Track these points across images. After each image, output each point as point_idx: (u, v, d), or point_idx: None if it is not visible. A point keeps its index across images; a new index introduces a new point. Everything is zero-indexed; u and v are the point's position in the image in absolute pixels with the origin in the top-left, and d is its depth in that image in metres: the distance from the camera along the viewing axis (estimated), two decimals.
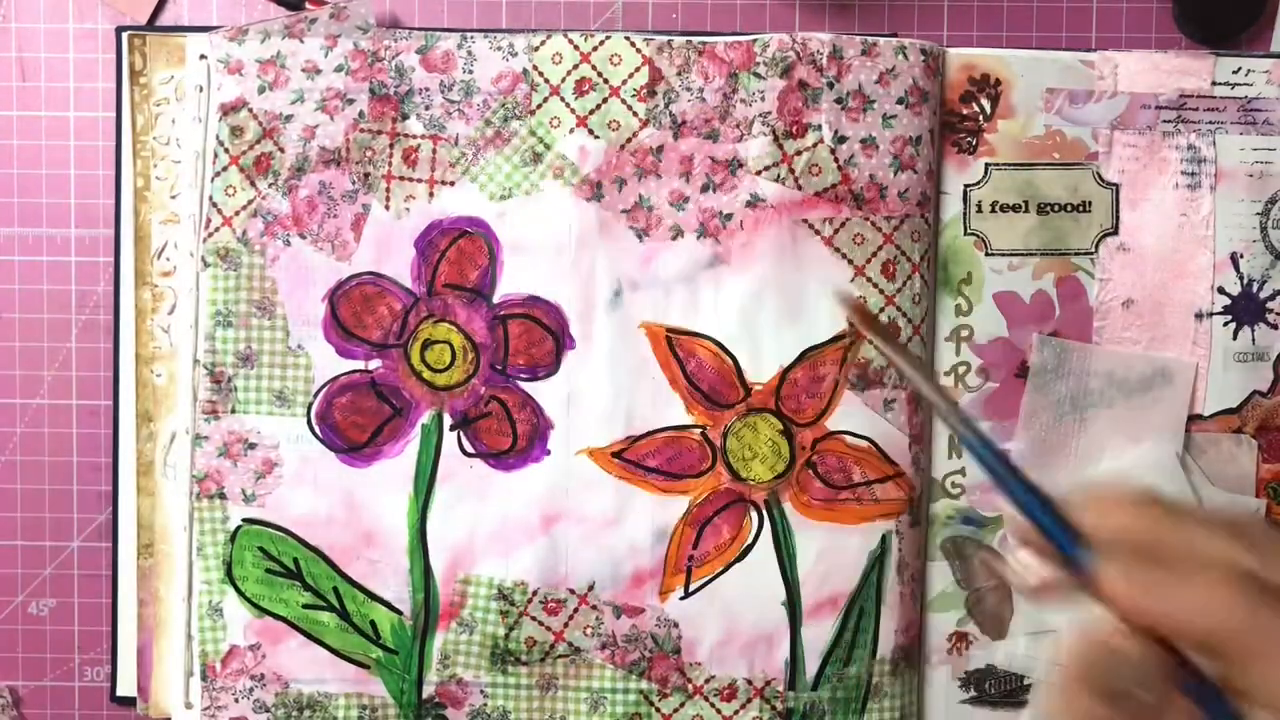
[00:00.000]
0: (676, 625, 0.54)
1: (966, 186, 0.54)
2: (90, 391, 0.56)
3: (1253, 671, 0.29)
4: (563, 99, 0.53)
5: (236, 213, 0.53)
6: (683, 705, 0.54)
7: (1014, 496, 0.32)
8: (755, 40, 0.52)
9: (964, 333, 0.54)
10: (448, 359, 0.53)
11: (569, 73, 0.53)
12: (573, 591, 0.54)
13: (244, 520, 0.54)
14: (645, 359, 0.53)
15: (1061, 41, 0.56)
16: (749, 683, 0.54)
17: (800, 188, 0.53)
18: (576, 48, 0.53)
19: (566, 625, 0.54)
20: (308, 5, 0.55)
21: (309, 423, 0.54)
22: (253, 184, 0.53)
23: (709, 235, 0.53)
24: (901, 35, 0.54)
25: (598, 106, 0.53)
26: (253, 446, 0.54)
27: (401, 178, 0.53)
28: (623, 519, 0.54)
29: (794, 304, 0.53)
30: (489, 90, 0.53)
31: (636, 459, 0.53)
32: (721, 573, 0.54)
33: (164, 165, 0.54)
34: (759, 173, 0.53)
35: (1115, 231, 0.54)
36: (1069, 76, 0.54)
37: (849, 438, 0.53)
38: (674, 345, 0.53)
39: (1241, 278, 0.54)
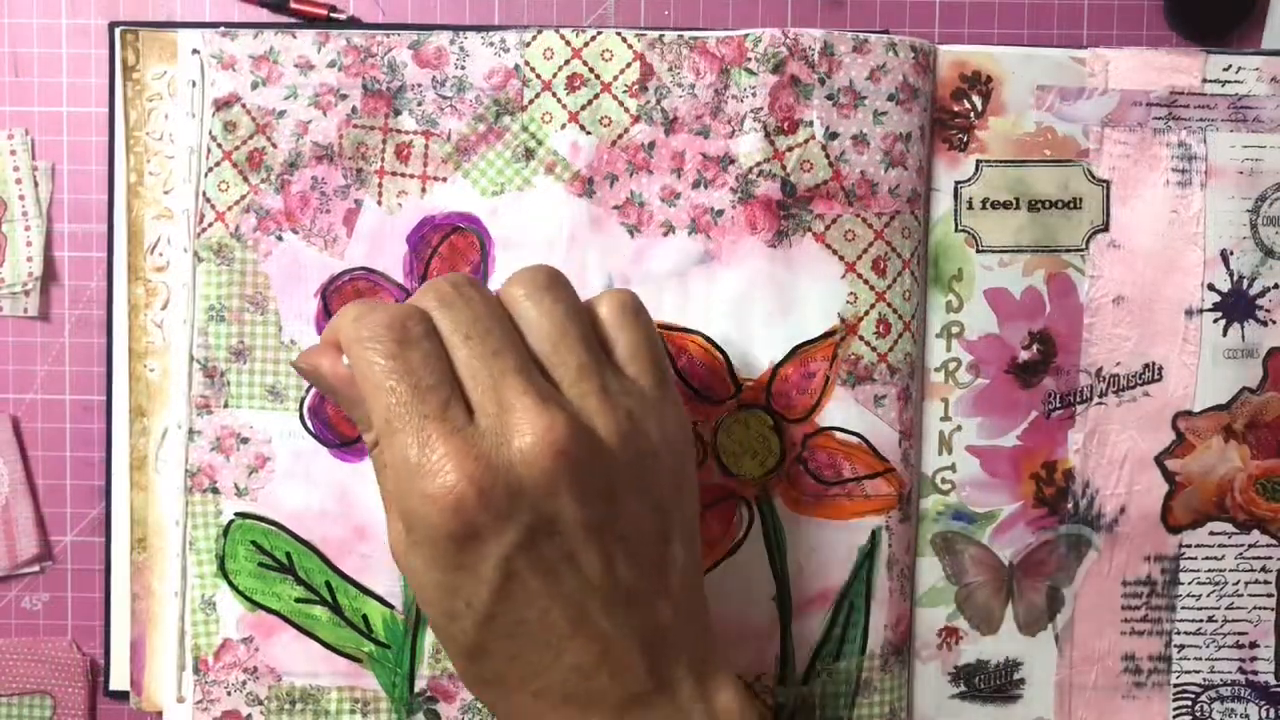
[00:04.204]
0: None
1: (957, 183, 0.54)
2: (84, 386, 0.57)
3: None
4: (555, 95, 0.53)
5: (230, 208, 0.53)
6: None
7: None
8: (747, 36, 0.52)
9: (954, 329, 0.54)
10: None
11: (560, 68, 0.53)
12: None
13: (237, 514, 0.54)
14: None
15: (1053, 39, 0.56)
16: (739, 677, 0.54)
17: (792, 184, 0.53)
18: (568, 43, 0.53)
19: None
20: (291, 4, 0.55)
21: (301, 417, 0.54)
22: (245, 179, 0.53)
23: (700, 231, 0.53)
24: (893, 32, 0.54)
25: (589, 102, 0.53)
26: (245, 441, 0.54)
27: (394, 173, 0.53)
28: None
29: (785, 300, 0.53)
30: (481, 86, 0.53)
31: None
32: (711, 568, 0.54)
33: (157, 161, 0.54)
34: (751, 169, 0.53)
35: (1106, 228, 0.54)
36: (1060, 73, 0.54)
37: (839, 434, 0.53)
38: (665, 341, 0.53)
39: (1232, 275, 0.54)
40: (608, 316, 0.43)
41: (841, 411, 0.53)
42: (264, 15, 0.56)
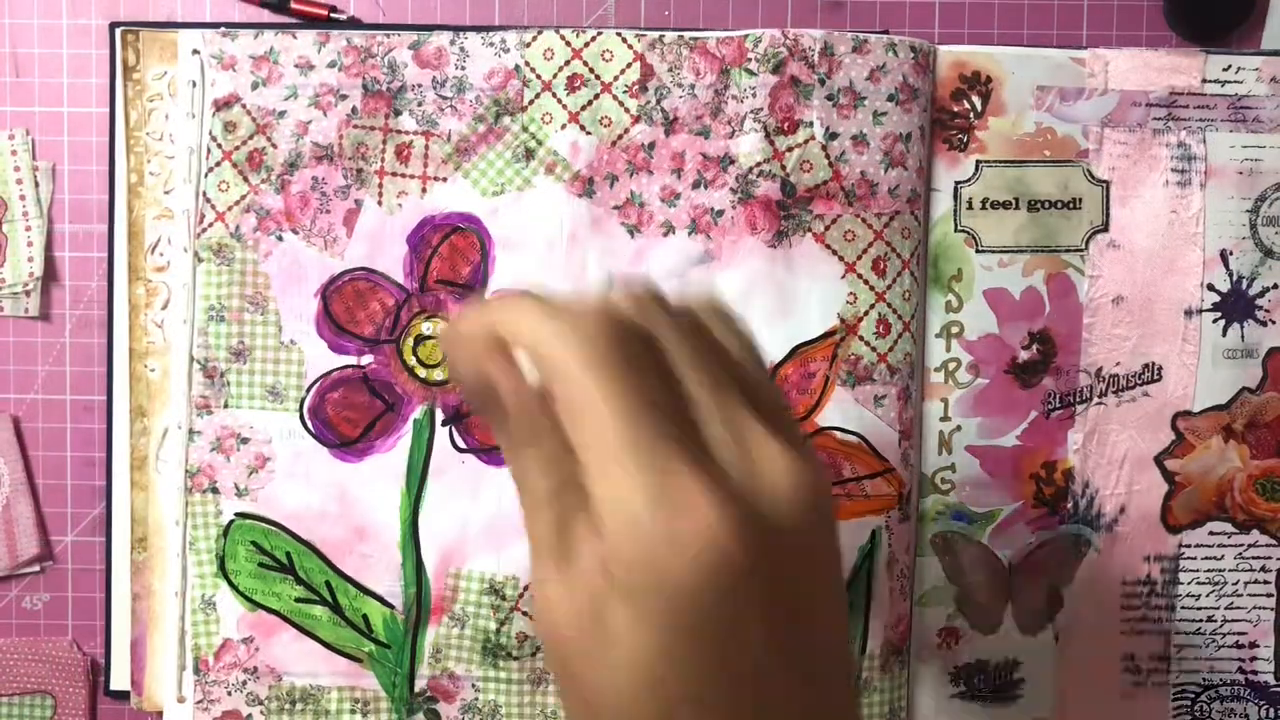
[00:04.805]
0: None
1: (957, 183, 0.54)
2: (84, 386, 0.57)
3: None
4: (555, 95, 0.53)
5: (230, 208, 0.53)
6: None
7: None
8: (747, 36, 0.52)
9: (954, 329, 0.54)
10: (440, 354, 0.54)
11: (561, 69, 0.53)
12: None
13: (237, 514, 0.54)
14: None
15: (1053, 39, 0.56)
16: None
17: (792, 184, 0.53)
18: (568, 44, 0.53)
19: None
20: (292, 4, 0.55)
21: (301, 417, 0.54)
22: (245, 179, 0.53)
23: (700, 232, 0.53)
24: (893, 32, 0.54)
25: (589, 102, 0.53)
26: (245, 441, 0.54)
27: (394, 174, 0.53)
28: None
29: (785, 300, 0.53)
30: (481, 86, 0.53)
31: None
32: None
33: (157, 161, 0.54)
34: (750, 169, 0.53)
35: (1105, 228, 0.54)
36: (1060, 74, 0.54)
37: (839, 434, 0.53)
38: None
39: (1231, 275, 0.54)
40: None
41: (841, 411, 0.53)
42: (264, 15, 0.56)
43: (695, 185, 0.53)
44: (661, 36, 0.53)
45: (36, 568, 0.57)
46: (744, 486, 0.30)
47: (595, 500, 0.30)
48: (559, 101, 0.53)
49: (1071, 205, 0.54)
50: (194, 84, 0.53)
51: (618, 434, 0.29)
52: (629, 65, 0.53)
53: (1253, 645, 0.56)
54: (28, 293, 0.56)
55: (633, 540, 0.29)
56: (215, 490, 0.54)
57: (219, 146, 0.53)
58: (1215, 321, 0.54)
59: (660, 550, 0.29)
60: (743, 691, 0.30)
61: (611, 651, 0.30)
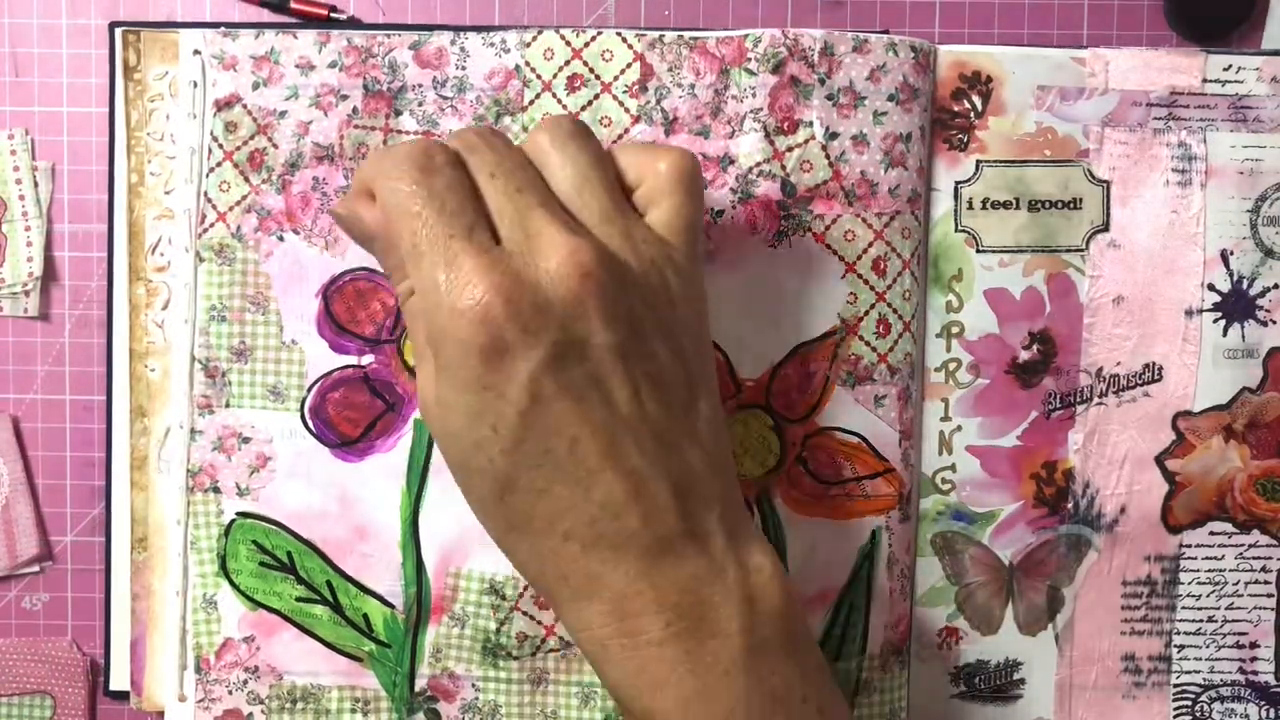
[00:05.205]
0: None
1: (957, 183, 0.54)
2: (84, 386, 0.57)
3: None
4: (555, 95, 0.53)
5: (231, 208, 0.53)
6: None
7: None
8: (747, 36, 0.53)
9: (954, 329, 0.54)
10: None
11: (561, 69, 0.53)
12: None
13: (238, 514, 0.54)
14: None
15: (1053, 39, 0.56)
16: None
17: (792, 184, 0.53)
18: (568, 44, 0.53)
19: (557, 620, 0.54)
20: (292, 4, 0.55)
21: (302, 417, 0.54)
22: (247, 180, 0.53)
23: None
24: (893, 32, 0.54)
25: (589, 103, 0.53)
26: (247, 440, 0.54)
27: None
28: None
29: (785, 300, 0.53)
30: (481, 86, 0.53)
31: None
32: None
33: (158, 161, 0.54)
34: (750, 169, 0.53)
35: (1106, 228, 0.54)
36: (1060, 73, 0.54)
37: (839, 434, 0.53)
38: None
39: (1231, 275, 0.55)
40: (665, 173, 0.42)
41: (841, 411, 0.53)
42: (265, 15, 0.56)
43: None
44: (661, 36, 0.53)
45: (36, 568, 0.57)
46: (519, 262, 0.37)
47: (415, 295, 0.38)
48: (559, 102, 0.53)
49: (1072, 205, 0.54)
50: (195, 84, 0.53)
51: (413, 235, 0.37)
52: (629, 65, 0.53)
53: (1253, 645, 0.56)
54: (27, 293, 0.56)
55: (432, 317, 0.37)
56: (216, 490, 0.54)
57: (220, 146, 0.53)
58: (1216, 321, 0.55)
59: (448, 322, 0.36)
60: (557, 447, 0.37)
61: (449, 420, 0.38)
